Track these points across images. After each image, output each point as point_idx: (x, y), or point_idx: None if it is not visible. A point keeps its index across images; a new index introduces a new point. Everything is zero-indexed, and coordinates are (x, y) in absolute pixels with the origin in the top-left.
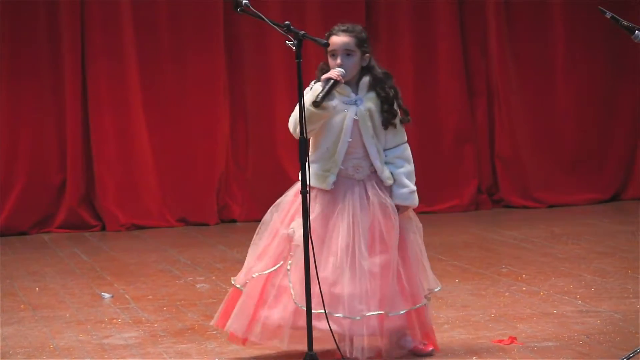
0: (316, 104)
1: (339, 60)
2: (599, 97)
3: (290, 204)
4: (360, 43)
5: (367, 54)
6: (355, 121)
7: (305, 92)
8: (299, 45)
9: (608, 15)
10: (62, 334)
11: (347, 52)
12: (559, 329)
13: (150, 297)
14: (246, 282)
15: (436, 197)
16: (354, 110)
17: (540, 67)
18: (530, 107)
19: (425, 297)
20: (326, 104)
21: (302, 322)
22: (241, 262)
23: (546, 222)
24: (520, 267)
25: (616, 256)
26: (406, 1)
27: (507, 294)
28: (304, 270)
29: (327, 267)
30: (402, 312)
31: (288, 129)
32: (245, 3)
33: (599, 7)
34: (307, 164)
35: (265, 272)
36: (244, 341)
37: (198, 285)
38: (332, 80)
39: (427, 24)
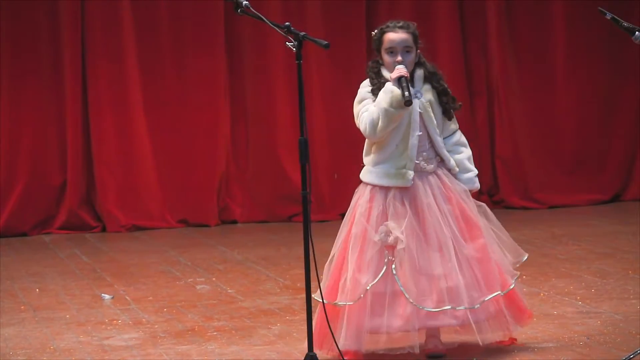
0: (409, 102)
1: (399, 57)
2: (600, 98)
3: (370, 208)
4: (416, 39)
5: (419, 50)
6: (420, 114)
7: (361, 93)
8: (299, 46)
9: (608, 16)
10: (63, 335)
11: (406, 48)
12: (559, 330)
13: (150, 298)
14: (360, 297)
15: None
16: (417, 104)
17: (541, 68)
18: (531, 107)
19: (512, 277)
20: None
21: (425, 322)
22: (242, 263)
23: (546, 223)
24: (520, 268)
25: (617, 257)
26: (406, 1)
27: None
28: (412, 270)
29: (437, 263)
30: (510, 289)
31: (287, 130)
32: (245, 4)
33: (600, 8)
34: (307, 165)
35: (374, 282)
36: (365, 356)
37: (198, 287)
38: (404, 77)
39: (428, 24)
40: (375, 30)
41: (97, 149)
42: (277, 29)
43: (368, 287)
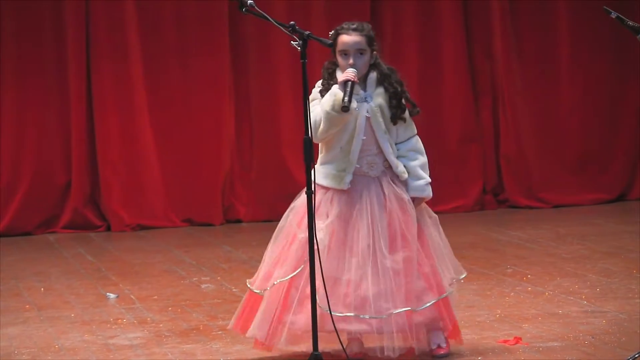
0: (346, 108)
1: (351, 60)
2: (604, 97)
3: (305, 206)
4: (371, 42)
5: (375, 52)
6: (367, 118)
7: (313, 92)
8: (303, 46)
9: (613, 15)
10: (67, 334)
11: (359, 51)
12: (564, 329)
13: (155, 297)
14: (266, 289)
15: (441, 197)
16: (365, 108)
17: (546, 67)
18: (536, 107)
19: (450, 285)
20: (352, 106)
21: (329, 325)
22: (246, 262)
23: (551, 223)
24: (525, 268)
25: (621, 256)
26: (411, 1)
27: (512, 294)
28: (321, 272)
29: (350, 268)
30: (428, 305)
31: (291, 129)
32: (250, 3)
33: (604, 7)
34: (312, 164)
35: (286, 278)
36: (269, 347)
37: (203, 286)
38: (350, 82)
39: (432, 24)
40: (332, 31)
41: (101, 148)
42: (282, 28)
43: (276, 282)
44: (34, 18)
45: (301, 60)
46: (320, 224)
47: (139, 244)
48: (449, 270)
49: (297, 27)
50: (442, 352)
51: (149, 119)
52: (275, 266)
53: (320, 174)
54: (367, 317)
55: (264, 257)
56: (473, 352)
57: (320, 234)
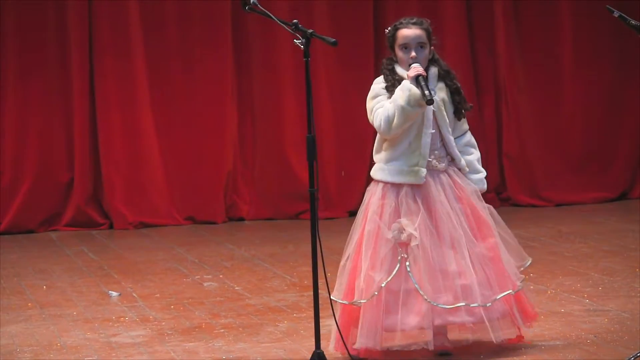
0: (431, 101)
1: (413, 53)
2: (607, 96)
3: (382, 206)
4: (430, 36)
5: (432, 47)
6: (433, 112)
7: (375, 89)
8: (307, 44)
9: (616, 14)
10: (70, 332)
11: (420, 44)
12: (566, 328)
13: (157, 295)
14: (374, 295)
15: None
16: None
17: (548, 66)
18: (538, 105)
19: (519, 280)
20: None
21: (440, 319)
22: (249, 260)
23: (554, 221)
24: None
25: (624, 255)
26: (414, 0)
27: None
28: (426, 267)
29: (450, 261)
30: (520, 288)
31: (294, 128)
32: (253, 2)
33: (607, 6)
34: (315, 162)
35: (388, 280)
36: (381, 353)
37: (205, 284)
38: (421, 76)
39: (435, 23)
40: (389, 28)
41: (104, 147)
42: (285, 26)
43: (383, 285)
44: (36, 17)
45: (304, 59)
46: (405, 221)
47: (141, 242)
48: (516, 258)
49: (300, 26)
50: (446, 348)
51: (152, 117)
52: (373, 271)
53: (390, 171)
54: (476, 305)
55: (346, 264)
56: (475, 351)
57: (410, 229)
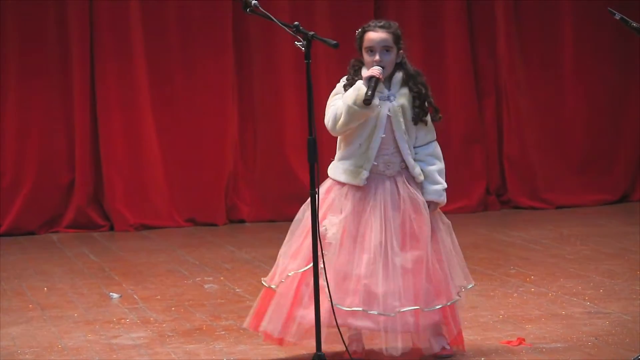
0: (368, 102)
1: (377, 57)
2: (608, 98)
3: (322, 201)
4: (397, 40)
5: (401, 51)
6: (388, 117)
7: (337, 87)
8: (308, 46)
9: (617, 16)
10: (71, 333)
11: (385, 48)
12: (567, 330)
13: (158, 297)
14: (281, 282)
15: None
16: (387, 106)
17: (549, 68)
18: (539, 108)
19: (457, 294)
20: (374, 102)
21: (340, 319)
22: (249, 262)
23: (555, 223)
24: (528, 268)
25: (625, 257)
26: (415, 1)
27: (515, 295)
28: (336, 268)
29: (360, 264)
30: (437, 307)
31: (295, 130)
32: (254, 3)
33: (609, 8)
34: (316, 164)
35: (299, 271)
36: (280, 341)
37: (206, 286)
38: (374, 78)
39: (436, 25)
40: (359, 29)
41: (105, 148)
42: (286, 28)
43: (290, 274)
44: (38, 18)
45: (305, 61)
46: (334, 219)
47: (142, 244)
48: (459, 277)
49: (301, 28)
50: (445, 353)
51: (153, 119)
52: (291, 260)
53: (338, 169)
54: (375, 313)
55: (279, 253)
56: (476, 353)
57: (333, 229)
